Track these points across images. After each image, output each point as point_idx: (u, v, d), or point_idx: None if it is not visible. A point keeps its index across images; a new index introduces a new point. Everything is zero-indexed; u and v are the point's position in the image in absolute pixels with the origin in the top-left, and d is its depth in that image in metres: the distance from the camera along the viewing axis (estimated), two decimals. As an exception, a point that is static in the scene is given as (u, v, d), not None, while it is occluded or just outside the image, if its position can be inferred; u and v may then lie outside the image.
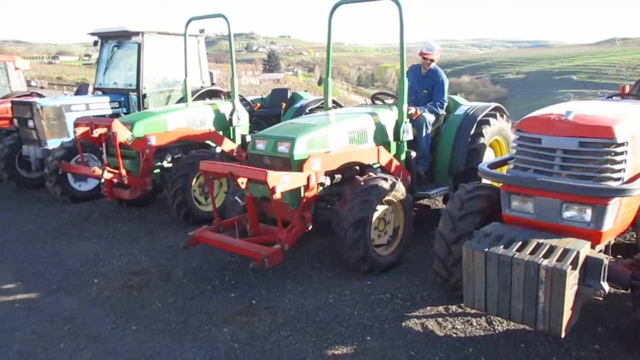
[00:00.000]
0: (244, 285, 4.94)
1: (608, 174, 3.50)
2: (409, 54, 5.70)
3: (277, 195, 4.46)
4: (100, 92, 9.67)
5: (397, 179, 5.18)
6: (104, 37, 9.74)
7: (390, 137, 5.79)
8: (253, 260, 4.54)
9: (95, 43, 9.93)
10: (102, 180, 6.80)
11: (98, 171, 6.71)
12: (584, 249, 3.36)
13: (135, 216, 7.28)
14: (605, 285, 3.36)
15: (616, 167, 3.51)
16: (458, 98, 7.04)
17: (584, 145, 3.55)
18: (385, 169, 5.56)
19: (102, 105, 9.14)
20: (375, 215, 4.99)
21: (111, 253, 5.86)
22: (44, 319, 4.41)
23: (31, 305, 4.68)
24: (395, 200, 5.18)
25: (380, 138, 5.69)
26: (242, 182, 4.52)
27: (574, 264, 3.24)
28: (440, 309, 4.37)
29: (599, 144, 3.53)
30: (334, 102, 7.91)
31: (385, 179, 5.02)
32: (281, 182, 4.49)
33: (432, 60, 6.39)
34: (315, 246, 5.73)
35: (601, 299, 3.43)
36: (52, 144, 8.27)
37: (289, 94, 9.55)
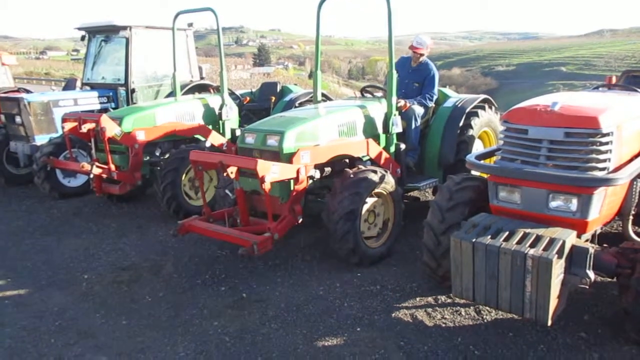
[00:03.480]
0: (235, 279, 4.95)
1: (593, 164, 3.54)
2: (399, 47, 5.71)
3: (267, 186, 4.45)
4: (88, 87, 9.60)
5: (386, 172, 5.20)
6: (92, 32, 9.66)
7: (380, 129, 5.81)
8: (242, 247, 4.50)
9: (83, 38, 9.84)
10: (91, 175, 6.77)
11: (87, 167, 6.67)
12: (570, 238, 3.40)
13: (125, 211, 7.25)
14: (591, 274, 3.41)
15: (601, 157, 3.55)
16: (447, 90, 7.06)
17: (570, 135, 3.59)
18: (374, 162, 5.58)
19: (90, 101, 9.07)
20: (365, 207, 5.01)
21: (101, 248, 5.85)
22: (34, 314, 4.40)
23: (21, 301, 4.66)
24: (385, 193, 5.20)
25: (370, 131, 5.70)
26: (231, 171, 4.50)
27: (560, 253, 3.28)
28: (430, 299, 4.41)
29: (584, 134, 3.56)
30: (323, 95, 7.92)
31: (375, 172, 5.04)
32: (270, 171, 4.48)
33: (422, 55, 6.39)
34: (306, 239, 5.75)
35: (587, 287, 3.47)
36: (40, 139, 8.21)
37: (279, 88, 9.55)
